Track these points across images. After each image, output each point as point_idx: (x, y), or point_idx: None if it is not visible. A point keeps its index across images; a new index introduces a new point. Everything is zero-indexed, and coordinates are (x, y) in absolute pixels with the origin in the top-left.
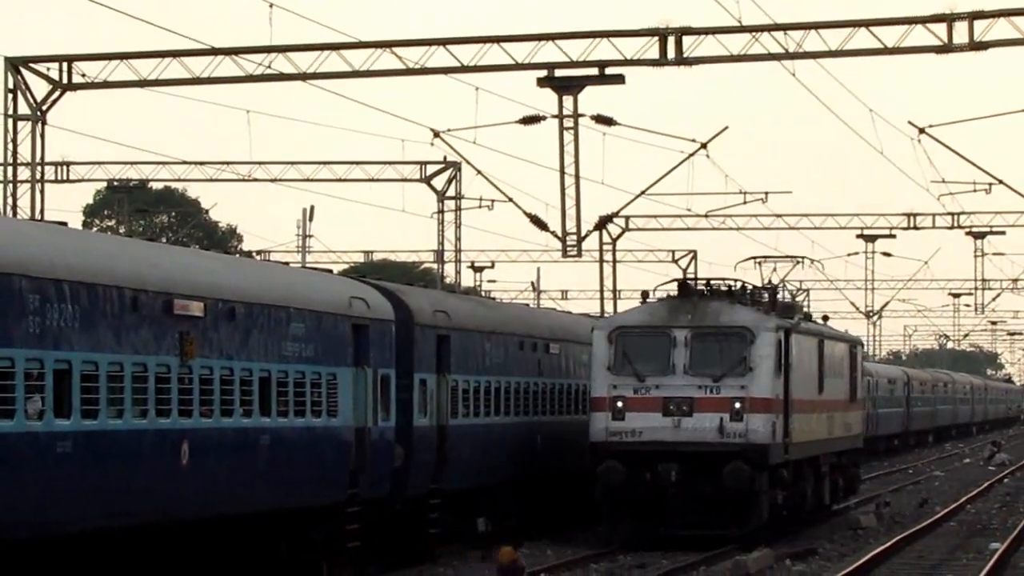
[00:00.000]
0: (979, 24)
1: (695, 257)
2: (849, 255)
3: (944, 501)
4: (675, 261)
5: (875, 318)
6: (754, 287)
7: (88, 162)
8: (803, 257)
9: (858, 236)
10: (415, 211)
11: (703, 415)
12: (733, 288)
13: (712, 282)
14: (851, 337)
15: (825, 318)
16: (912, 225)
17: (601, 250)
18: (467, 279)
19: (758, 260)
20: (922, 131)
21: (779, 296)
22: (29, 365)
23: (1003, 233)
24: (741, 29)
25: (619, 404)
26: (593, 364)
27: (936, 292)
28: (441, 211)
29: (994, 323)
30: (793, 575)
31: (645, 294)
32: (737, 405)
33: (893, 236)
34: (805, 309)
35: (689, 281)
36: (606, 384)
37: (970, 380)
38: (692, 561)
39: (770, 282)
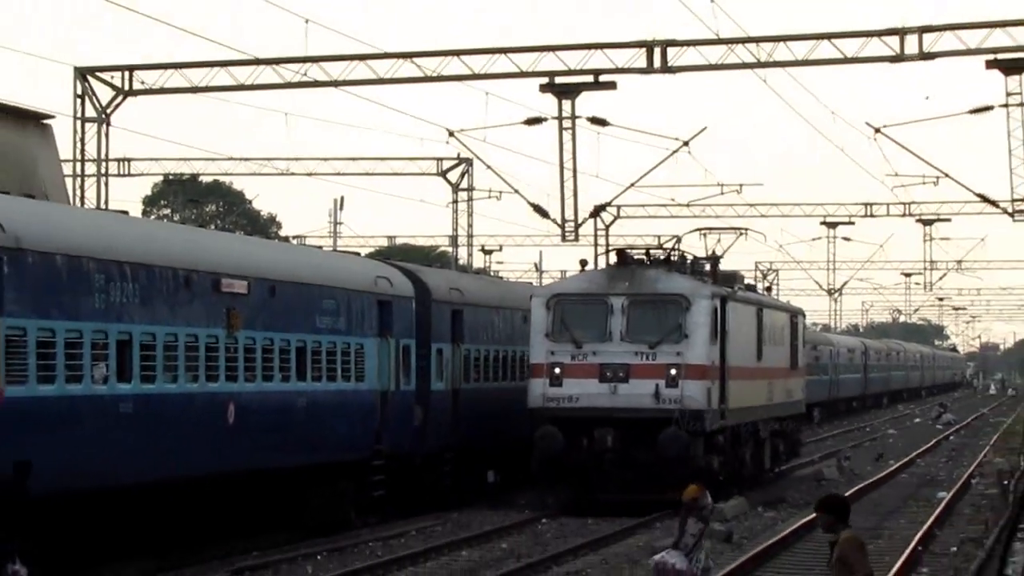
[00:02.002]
0: (928, 37)
1: (679, 241)
2: (813, 239)
3: (897, 456)
4: (660, 245)
5: (836, 295)
6: (695, 257)
7: (147, 158)
8: (746, 229)
9: (821, 223)
10: (432, 201)
11: (639, 381)
12: (671, 257)
13: (651, 251)
14: (792, 307)
15: (768, 289)
16: (869, 213)
17: (596, 235)
18: (478, 261)
19: (703, 231)
20: (878, 131)
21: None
22: (95, 336)
23: (949, 220)
24: (719, 41)
25: (556, 370)
26: (532, 331)
27: (890, 272)
28: (455, 201)
29: (941, 299)
30: (765, 520)
31: (584, 262)
32: (672, 372)
33: (852, 223)
34: (748, 280)
35: (627, 250)
36: (544, 350)
37: (920, 349)
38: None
39: (713, 252)
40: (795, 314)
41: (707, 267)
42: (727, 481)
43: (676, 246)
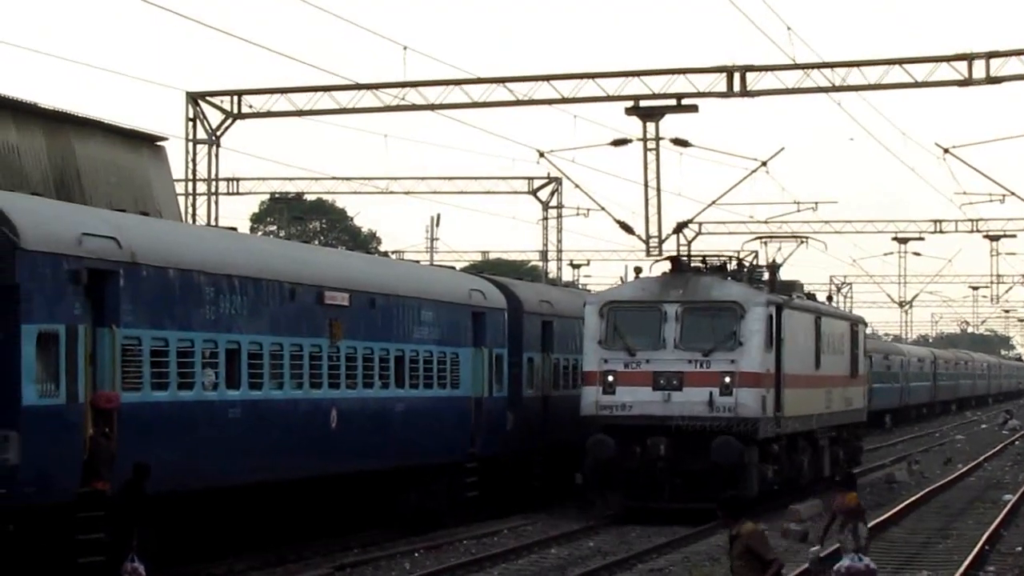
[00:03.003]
0: (995, 62)
1: (756, 257)
2: (885, 255)
3: (965, 460)
4: (740, 260)
5: (907, 307)
6: (752, 265)
7: (254, 178)
8: (806, 237)
9: (893, 239)
10: (524, 218)
11: (693, 389)
12: (727, 264)
13: (707, 259)
14: (852, 316)
15: (829, 298)
16: (938, 229)
17: (678, 250)
18: (567, 274)
19: (764, 239)
20: (946, 151)
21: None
22: (205, 345)
23: (1015, 236)
24: (795, 66)
25: (610, 378)
26: (585, 338)
27: (958, 285)
28: (545, 218)
29: (1007, 311)
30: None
31: (638, 270)
32: (727, 379)
33: (922, 239)
34: (807, 289)
35: (683, 257)
36: (597, 358)
37: (987, 359)
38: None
39: (773, 261)
40: (855, 323)
41: (765, 275)
42: (782, 490)
43: (744, 256)
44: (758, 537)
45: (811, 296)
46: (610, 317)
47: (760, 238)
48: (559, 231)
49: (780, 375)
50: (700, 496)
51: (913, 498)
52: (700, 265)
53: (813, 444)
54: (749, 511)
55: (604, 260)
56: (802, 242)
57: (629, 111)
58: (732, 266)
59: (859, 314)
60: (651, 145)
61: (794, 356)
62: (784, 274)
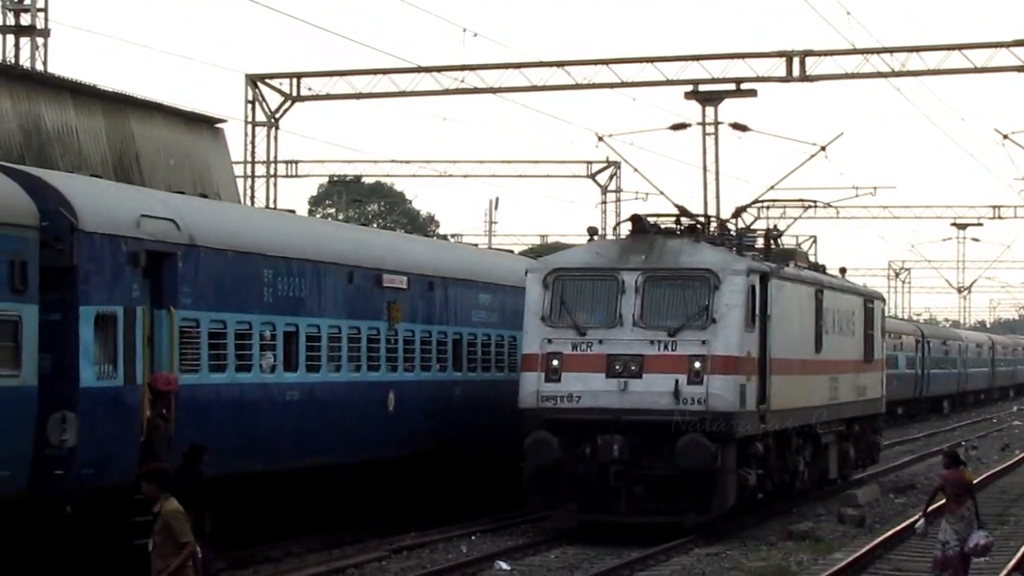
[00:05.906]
0: None
1: (815, 241)
2: (944, 240)
3: (1022, 446)
4: (798, 245)
5: (965, 293)
6: (739, 229)
7: (313, 160)
8: (815, 202)
9: (951, 224)
10: (582, 202)
11: (655, 376)
12: (705, 226)
13: (680, 218)
14: (867, 291)
15: (843, 270)
16: (997, 215)
17: (739, 235)
18: None
19: (764, 204)
20: (1006, 137)
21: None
22: (263, 328)
23: None
24: (854, 51)
25: (554, 362)
26: (526, 313)
27: (1017, 271)
28: (604, 202)
29: None
30: (896, 506)
31: (593, 231)
32: (696, 365)
33: (981, 224)
34: (812, 258)
35: (648, 216)
36: (539, 338)
37: None
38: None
39: (775, 227)
40: (870, 298)
41: (759, 242)
42: (769, 498)
43: (710, 217)
44: (177, 517)
45: (819, 267)
46: (556, 288)
47: (759, 201)
48: (617, 215)
49: (766, 359)
50: (664, 508)
51: None
52: (672, 226)
53: (814, 442)
54: (172, 487)
55: None
56: (808, 207)
57: (688, 95)
58: (711, 228)
59: (877, 290)
60: (710, 129)
61: (785, 337)
62: (837, 258)
